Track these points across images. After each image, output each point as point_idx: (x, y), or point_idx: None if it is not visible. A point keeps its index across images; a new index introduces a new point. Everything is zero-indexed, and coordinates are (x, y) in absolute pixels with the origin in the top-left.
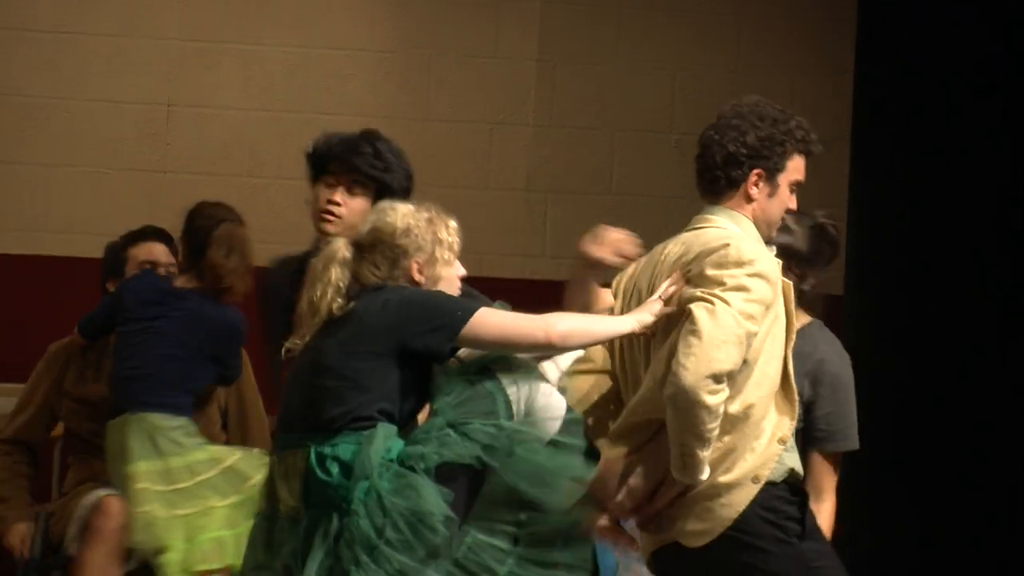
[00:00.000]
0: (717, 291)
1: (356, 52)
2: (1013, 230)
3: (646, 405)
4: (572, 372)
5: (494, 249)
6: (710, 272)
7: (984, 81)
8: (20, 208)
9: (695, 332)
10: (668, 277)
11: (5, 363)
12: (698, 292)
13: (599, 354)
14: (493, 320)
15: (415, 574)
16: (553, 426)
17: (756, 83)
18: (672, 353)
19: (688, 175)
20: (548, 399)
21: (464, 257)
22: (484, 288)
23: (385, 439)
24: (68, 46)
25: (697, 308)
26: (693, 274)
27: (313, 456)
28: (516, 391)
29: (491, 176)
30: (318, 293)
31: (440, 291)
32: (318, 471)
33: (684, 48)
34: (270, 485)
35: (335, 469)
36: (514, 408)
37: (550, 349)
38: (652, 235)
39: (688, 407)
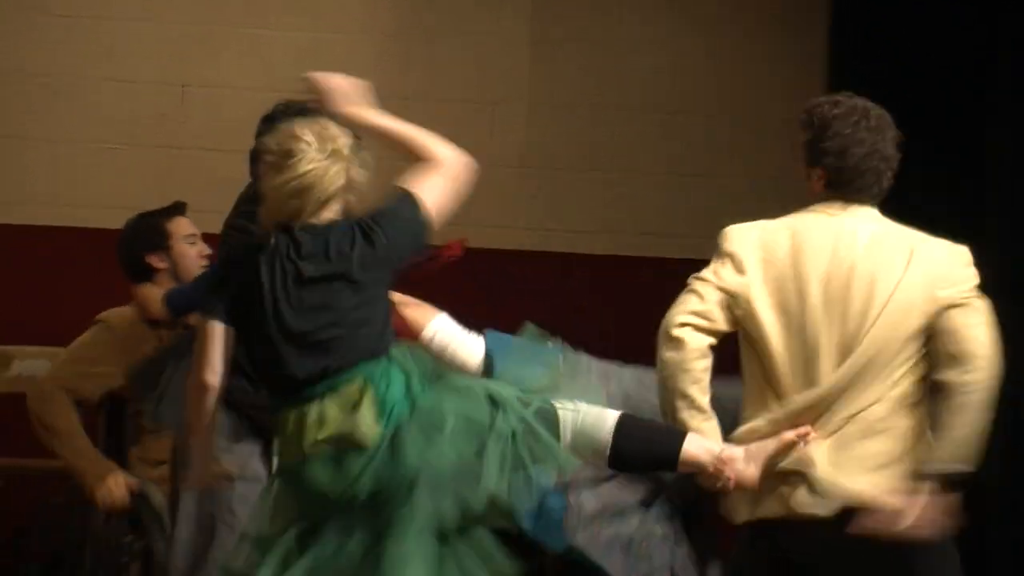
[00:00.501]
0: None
1: (358, 35)
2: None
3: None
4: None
5: (489, 221)
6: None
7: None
8: (45, 182)
9: (989, 324)
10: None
11: (37, 328)
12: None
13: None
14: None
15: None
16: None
17: (740, 66)
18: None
19: (674, 152)
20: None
21: (461, 228)
22: (479, 257)
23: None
24: (88, 29)
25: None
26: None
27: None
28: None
29: (487, 153)
30: None
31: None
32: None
33: (675, 30)
34: (294, 439)
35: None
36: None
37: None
38: (641, 211)
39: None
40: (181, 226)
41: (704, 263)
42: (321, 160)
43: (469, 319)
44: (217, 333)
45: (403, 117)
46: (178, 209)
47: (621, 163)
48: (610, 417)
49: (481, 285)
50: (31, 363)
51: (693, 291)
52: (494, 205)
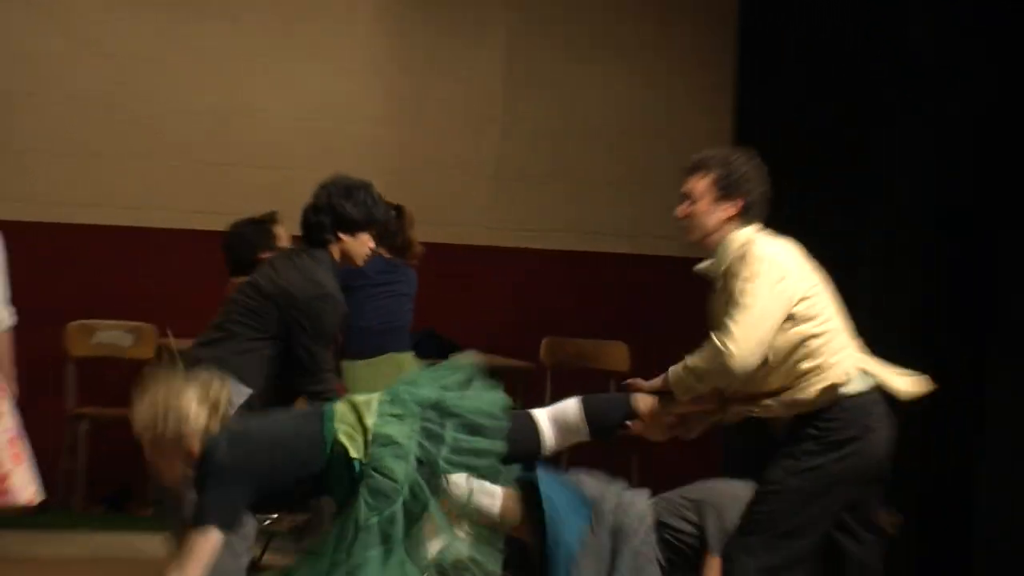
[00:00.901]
0: None
1: (367, 71)
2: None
3: None
4: None
5: (470, 222)
6: None
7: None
8: (121, 192)
9: None
10: None
11: (113, 307)
12: None
13: None
14: None
15: None
16: None
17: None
18: None
19: (619, 168)
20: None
21: (448, 229)
22: (462, 252)
23: None
24: (155, 71)
25: None
26: None
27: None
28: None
29: (469, 165)
30: None
31: None
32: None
33: (617, 70)
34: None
35: None
36: None
37: None
38: (593, 214)
39: None
40: (282, 229)
41: (641, 257)
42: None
43: (454, 303)
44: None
45: (407, 139)
46: (275, 217)
47: (577, 175)
48: (573, 403)
49: (462, 274)
50: (109, 333)
51: None
52: (473, 208)
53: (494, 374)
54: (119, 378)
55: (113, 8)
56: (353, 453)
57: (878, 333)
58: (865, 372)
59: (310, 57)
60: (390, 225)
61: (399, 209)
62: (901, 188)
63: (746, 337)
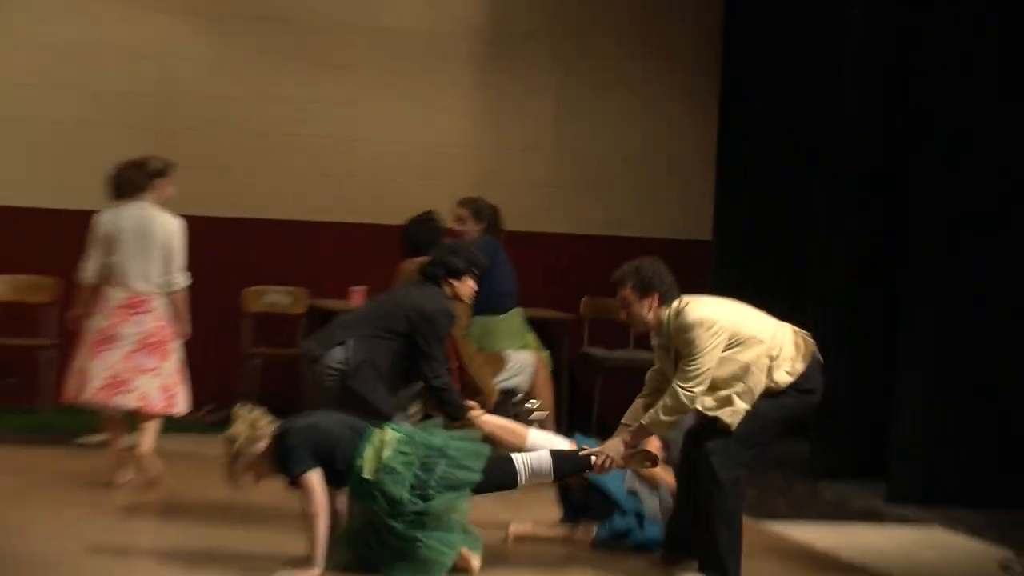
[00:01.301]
0: None
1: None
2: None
3: None
4: None
5: (528, 216)
6: None
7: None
8: (291, 196)
9: None
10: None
11: (279, 274)
12: None
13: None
14: None
15: None
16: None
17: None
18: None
19: (632, 175)
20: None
21: (513, 220)
22: (521, 237)
23: None
24: (305, 104)
25: None
26: None
27: None
28: None
29: (527, 177)
30: None
31: None
32: None
33: (633, 107)
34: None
35: None
36: None
37: None
38: (614, 209)
39: None
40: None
41: (648, 239)
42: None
43: (522, 274)
44: None
45: (481, 155)
46: (436, 215)
47: (603, 182)
48: (546, 457)
49: (527, 252)
50: (274, 295)
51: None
52: (532, 207)
53: (551, 323)
54: (281, 327)
55: (269, 63)
56: (365, 473)
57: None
58: (802, 348)
59: (412, 98)
60: (496, 220)
61: (496, 208)
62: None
63: (697, 381)
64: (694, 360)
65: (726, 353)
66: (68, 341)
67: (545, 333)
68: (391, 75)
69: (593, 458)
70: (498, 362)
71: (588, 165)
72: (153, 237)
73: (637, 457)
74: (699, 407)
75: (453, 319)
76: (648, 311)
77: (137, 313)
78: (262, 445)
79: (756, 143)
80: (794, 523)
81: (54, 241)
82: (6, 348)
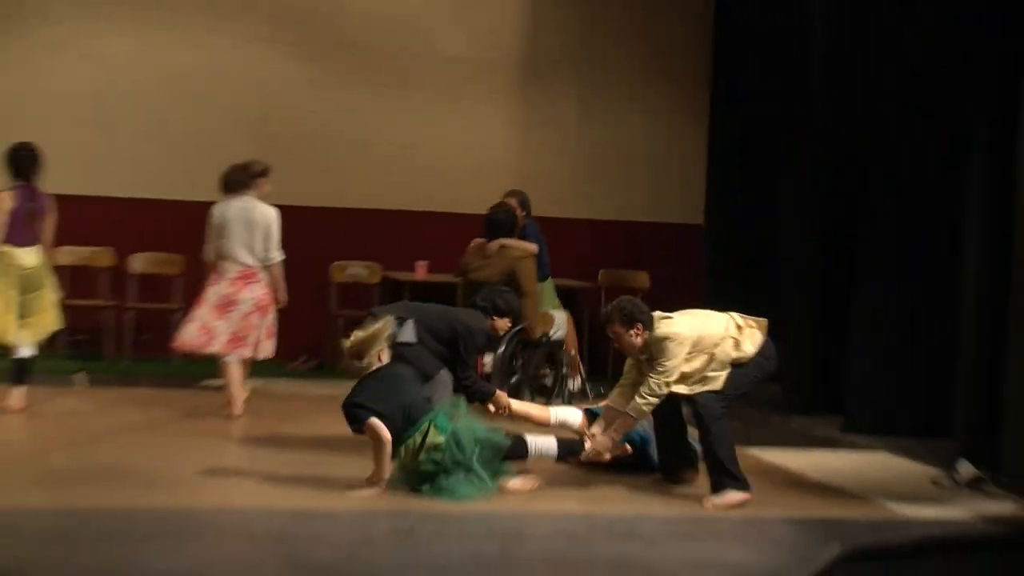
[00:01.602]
0: None
1: (497, 123)
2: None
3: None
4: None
5: (555, 203)
6: None
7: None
8: (366, 189)
9: None
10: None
11: (354, 250)
12: None
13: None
14: None
15: None
16: None
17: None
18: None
19: (635, 171)
20: None
21: (542, 207)
22: (548, 221)
23: None
24: (378, 120)
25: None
26: None
27: None
28: None
29: (555, 173)
30: None
31: None
32: None
33: (633, 111)
34: None
35: None
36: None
37: None
38: (622, 198)
39: None
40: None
41: (649, 223)
42: None
43: (549, 251)
44: None
45: (519, 157)
46: (509, 202)
47: (614, 177)
48: (552, 443)
49: (554, 233)
50: (354, 268)
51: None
52: (559, 196)
53: (575, 290)
54: (360, 294)
55: (348, 83)
56: (402, 456)
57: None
58: (755, 327)
59: (462, 111)
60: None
61: (525, 195)
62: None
63: (668, 377)
64: (666, 362)
65: (693, 352)
66: (192, 305)
67: (570, 298)
68: (445, 92)
69: (586, 446)
70: (550, 321)
71: (603, 163)
72: (255, 223)
73: (618, 449)
74: (680, 390)
75: (488, 338)
76: (636, 337)
77: (249, 283)
78: (383, 356)
79: (740, 140)
80: (769, 449)
81: (182, 225)
82: (143, 311)
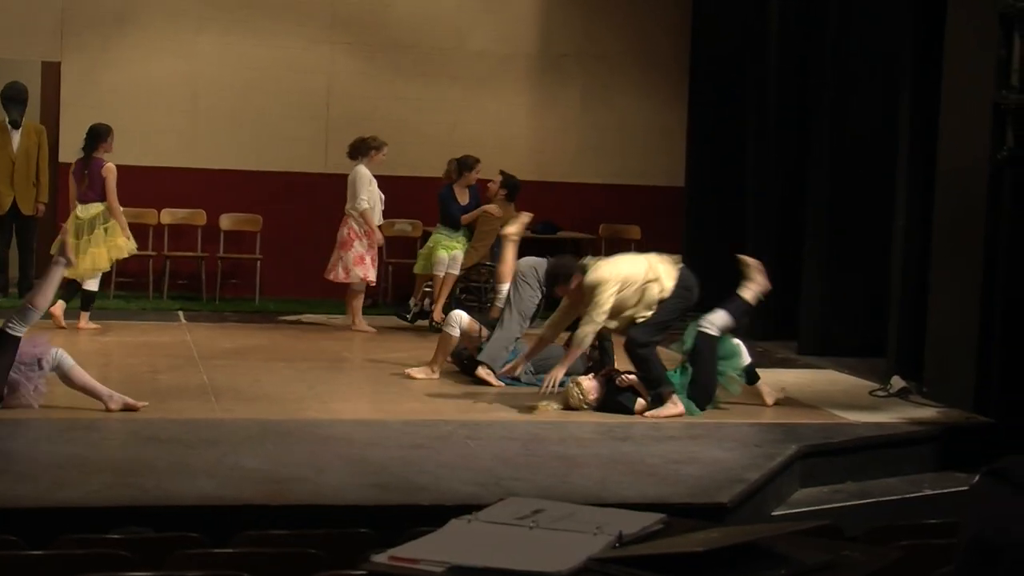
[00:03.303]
0: None
1: (520, 108)
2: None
3: None
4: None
5: (563, 171)
6: None
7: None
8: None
9: None
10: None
11: (399, 210)
12: None
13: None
14: None
15: None
16: None
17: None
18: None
19: (630, 142)
20: None
21: (555, 176)
22: (551, 186)
23: None
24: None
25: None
26: None
27: None
28: None
29: (563, 146)
30: None
31: None
32: None
33: (628, 96)
34: None
35: None
36: None
37: None
38: (617, 165)
39: None
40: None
41: (644, 186)
42: None
43: (563, 212)
44: None
45: (536, 135)
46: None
47: (612, 147)
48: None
49: (558, 198)
50: (401, 225)
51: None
52: (567, 165)
53: (580, 241)
54: (405, 246)
55: (397, 75)
56: None
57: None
58: (670, 264)
59: (488, 96)
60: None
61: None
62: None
63: (601, 312)
64: (597, 302)
65: (621, 292)
66: (267, 257)
67: (576, 247)
68: (474, 81)
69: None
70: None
71: (602, 136)
72: (352, 183)
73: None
74: (611, 325)
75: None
76: (572, 291)
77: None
78: None
79: (714, 114)
80: None
81: (260, 191)
82: (230, 261)
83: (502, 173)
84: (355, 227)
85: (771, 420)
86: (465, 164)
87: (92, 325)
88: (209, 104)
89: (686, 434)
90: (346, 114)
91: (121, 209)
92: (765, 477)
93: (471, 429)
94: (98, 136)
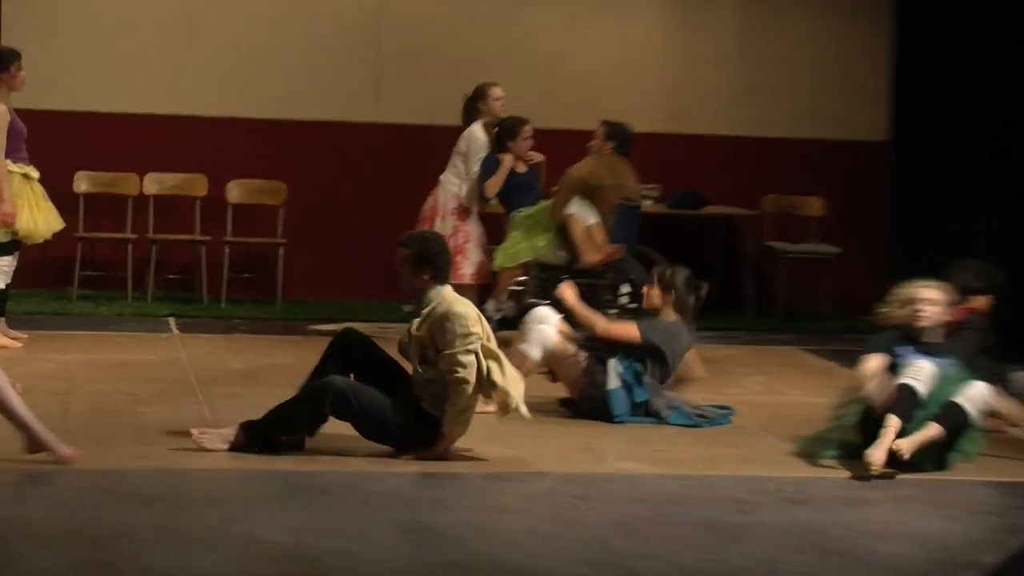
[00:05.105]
0: None
1: (650, 32)
2: None
3: None
4: None
5: (706, 116)
6: None
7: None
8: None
9: None
10: None
11: None
12: None
13: None
14: None
15: None
16: None
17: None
18: None
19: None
20: None
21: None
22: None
23: None
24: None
25: None
26: None
27: None
28: None
29: (702, 78)
30: None
31: None
32: None
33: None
34: None
35: None
36: None
37: None
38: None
39: None
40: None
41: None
42: None
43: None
44: None
45: (669, 62)
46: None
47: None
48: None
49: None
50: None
51: None
52: (710, 106)
53: (734, 219)
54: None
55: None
56: None
57: None
58: None
59: (608, 19)
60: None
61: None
62: None
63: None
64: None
65: None
66: (294, 241)
67: (730, 227)
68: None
69: None
70: None
71: (766, 72)
72: (469, 145)
73: None
74: None
75: None
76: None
77: None
78: None
79: (932, 42)
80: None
81: (277, 149)
82: (242, 246)
83: (605, 123)
84: (445, 203)
85: (1013, 478)
86: (508, 130)
87: (13, 337)
88: (208, 27)
89: (889, 496)
90: (401, 40)
91: (8, 165)
92: (1008, 562)
93: (578, 486)
94: None
